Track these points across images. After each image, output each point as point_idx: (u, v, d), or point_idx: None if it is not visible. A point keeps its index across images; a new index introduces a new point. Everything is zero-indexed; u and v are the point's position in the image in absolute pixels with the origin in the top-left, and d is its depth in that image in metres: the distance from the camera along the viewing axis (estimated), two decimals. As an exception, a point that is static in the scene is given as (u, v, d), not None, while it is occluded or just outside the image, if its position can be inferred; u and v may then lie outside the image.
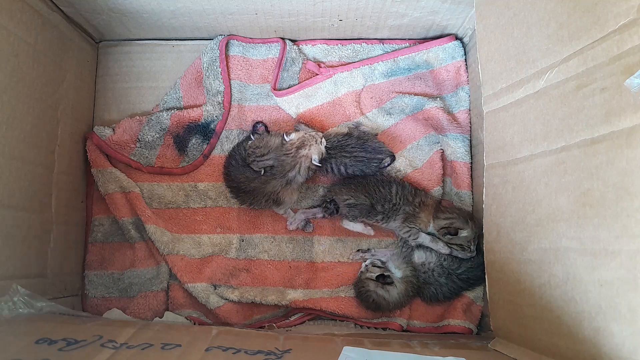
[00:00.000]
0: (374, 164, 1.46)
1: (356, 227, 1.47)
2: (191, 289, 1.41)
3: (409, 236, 1.42)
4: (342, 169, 1.45)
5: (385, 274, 1.37)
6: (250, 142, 1.47)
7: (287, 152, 1.39)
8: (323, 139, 1.40)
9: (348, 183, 1.46)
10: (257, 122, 1.54)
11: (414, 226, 1.40)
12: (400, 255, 1.44)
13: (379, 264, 1.43)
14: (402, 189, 1.43)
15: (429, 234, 1.42)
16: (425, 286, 1.41)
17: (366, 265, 1.43)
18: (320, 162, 1.38)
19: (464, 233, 1.36)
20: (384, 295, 1.37)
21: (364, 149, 1.44)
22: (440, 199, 1.49)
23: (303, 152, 1.37)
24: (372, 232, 1.48)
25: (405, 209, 1.40)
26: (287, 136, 1.40)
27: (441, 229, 1.37)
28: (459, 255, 1.39)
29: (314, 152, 1.37)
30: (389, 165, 1.48)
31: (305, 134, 1.39)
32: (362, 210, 1.42)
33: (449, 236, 1.37)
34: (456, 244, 1.38)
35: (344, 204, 1.44)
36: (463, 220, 1.37)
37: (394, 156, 1.49)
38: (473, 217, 1.40)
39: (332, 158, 1.43)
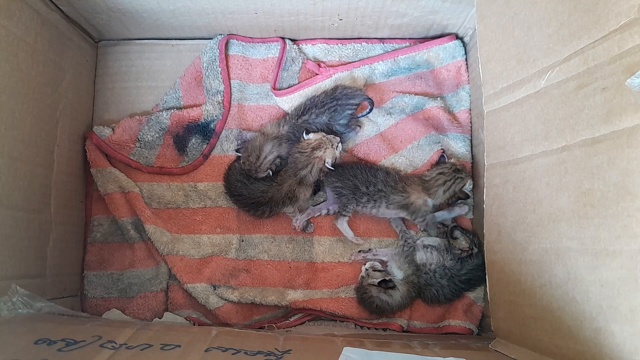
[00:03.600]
0: (348, 112, 1.46)
1: (347, 232, 1.47)
2: (191, 290, 1.41)
3: (422, 221, 1.44)
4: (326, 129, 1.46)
5: (387, 278, 1.37)
6: (240, 157, 1.48)
7: (303, 151, 1.40)
8: (340, 144, 1.43)
9: (336, 166, 1.46)
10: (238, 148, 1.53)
11: (421, 219, 1.43)
12: (402, 255, 1.44)
13: (379, 267, 1.43)
14: (386, 175, 1.44)
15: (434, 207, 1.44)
16: (427, 287, 1.40)
17: (366, 270, 1.43)
18: (332, 166, 1.41)
19: (467, 186, 1.40)
20: (387, 300, 1.36)
21: (329, 108, 1.44)
22: (419, 175, 1.46)
23: (318, 153, 1.40)
24: (360, 241, 1.49)
25: (396, 199, 1.41)
26: (305, 135, 1.42)
27: (449, 198, 1.40)
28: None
29: (329, 156, 1.40)
30: (369, 112, 1.49)
31: (323, 136, 1.41)
32: (348, 191, 1.42)
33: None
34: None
35: (332, 186, 1.45)
36: (454, 177, 1.38)
37: (371, 100, 1.49)
38: (459, 167, 1.40)
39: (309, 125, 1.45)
